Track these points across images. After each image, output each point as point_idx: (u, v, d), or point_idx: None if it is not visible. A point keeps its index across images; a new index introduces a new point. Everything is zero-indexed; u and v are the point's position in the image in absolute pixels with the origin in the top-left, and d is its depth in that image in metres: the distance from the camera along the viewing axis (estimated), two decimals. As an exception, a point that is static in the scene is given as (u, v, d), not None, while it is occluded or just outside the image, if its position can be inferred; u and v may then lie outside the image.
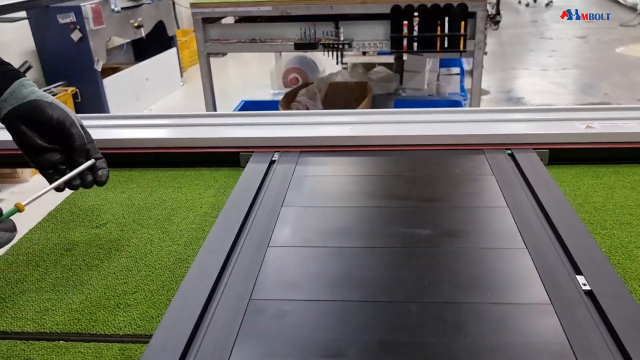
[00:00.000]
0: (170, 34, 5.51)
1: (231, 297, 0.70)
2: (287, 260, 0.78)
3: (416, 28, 2.60)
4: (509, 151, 1.08)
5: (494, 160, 1.04)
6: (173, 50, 5.58)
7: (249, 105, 3.53)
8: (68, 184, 0.81)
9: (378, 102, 3.33)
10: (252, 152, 1.13)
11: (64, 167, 0.81)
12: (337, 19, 2.71)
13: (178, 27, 6.57)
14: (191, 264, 0.80)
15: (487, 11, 2.56)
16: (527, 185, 0.95)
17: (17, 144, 0.80)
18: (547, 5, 8.86)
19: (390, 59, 3.96)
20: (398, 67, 3.67)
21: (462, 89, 3.69)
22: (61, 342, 0.70)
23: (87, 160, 0.82)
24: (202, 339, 0.63)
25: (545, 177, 0.97)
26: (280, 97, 3.73)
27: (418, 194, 0.96)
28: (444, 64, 3.66)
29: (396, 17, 2.61)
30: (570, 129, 1.12)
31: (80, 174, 0.81)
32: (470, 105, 2.78)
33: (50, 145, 0.80)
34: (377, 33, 2.70)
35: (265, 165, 1.08)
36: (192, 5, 2.82)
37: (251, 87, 5.28)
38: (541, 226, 0.83)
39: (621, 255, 0.81)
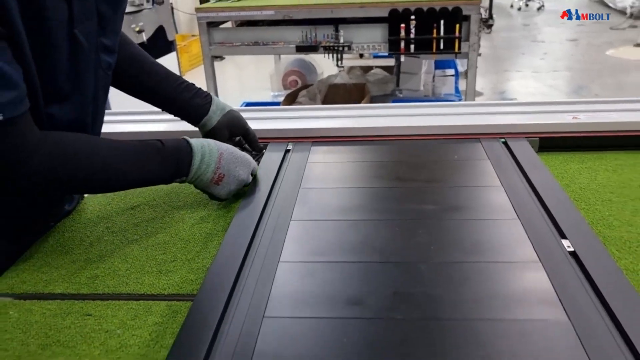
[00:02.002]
0: (170, 38, 5.61)
1: (262, 260, 0.81)
2: (309, 231, 0.89)
3: (413, 31, 2.71)
4: (503, 140, 1.19)
5: (490, 148, 1.15)
6: (173, 54, 5.68)
7: (250, 107, 3.63)
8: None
9: (375, 103, 3.44)
10: (268, 142, 1.24)
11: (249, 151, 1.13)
12: (337, 23, 2.83)
13: (177, 32, 6.68)
14: (222, 237, 0.91)
15: (481, 14, 2.68)
16: (519, 168, 1.06)
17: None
18: (538, 9, 9.03)
19: (385, 61, 4.09)
20: (398, 69, 3.80)
21: (456, 89, 3.81)
22: (114, 300, 0.80)
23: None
24: (241, 294, 0.74)
25: (536, 161, 1.09)
26: (280, 99, 3.84)
27: (422, 176, 1.07)
28: (438, 65, 3.79)
29: (394, 20, 2.72)
30: (558, 120, 1.23)
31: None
32: (465, 105, 2.90)
33: (237, 139, 1.14)
34: (375, 36, 2.82)
35: (281, 154, 1.18)
36: (197, 9, 2.93)
37: (249, 89, 5.39)
38: (531, 201, 0.94)
39: (602, 226, 0.92)
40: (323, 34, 2.85)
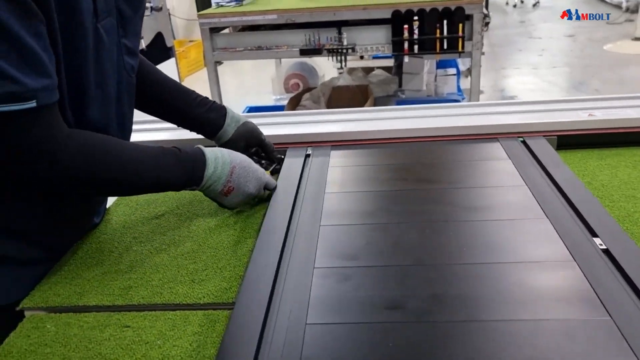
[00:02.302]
0: (168, 44, 5.61)
1: (296, 267, 0.81)
2: (339, 235, 0.89)
3: (416, 31, 2.72)
4: (522, 139, 1.20)
5: (509, 147, 1.16)
6: (172, 60, 5.69)
7: (253, 111, 3.63)
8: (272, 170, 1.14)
9: (379, 104, 3.45)
10: (287, 147, 1.24)
11: (265, 161, 1.16)
12: (340, 25, 2.83)
13: (174, 38, 6.69)
14: (250, 244, 0.92)
15: (483, 13, 2.69)
16: (541, 167, 1.07)
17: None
18: (534, 5, 9.06)
19: (385, 62, 4.10)
20: (398, 70, 3.81)
21: (458, 88, 3.82)
22: (150, 311, 0.80)
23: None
24: (279, 302, 0.74)
25: (557, 159, 1.09)
26: (283, 102, 3.85)
27: (444, 177, 1.08)
28: (440, 65, 3.79)
29: (397, 21, 2.73)
30: (574, 118, 1.24)
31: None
32: (470, 104, 2.90)
33: (253, 150, 1.15)
34: (378, 37, 2.83)
35: (302, 159, 1.19)
36: (200, 15, 2.93)
37: (250, 94, 5.40)
38: (557, 200, 0.94)
39: (629, 223, 0.92)
40: (326, 36, 2.85)
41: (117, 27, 0.88)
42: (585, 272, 0.74)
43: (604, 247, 0.80)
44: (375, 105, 3.36)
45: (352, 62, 4.23)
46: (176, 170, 0.93)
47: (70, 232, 0.98)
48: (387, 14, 2.75)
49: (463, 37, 2.69)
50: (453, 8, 2.66)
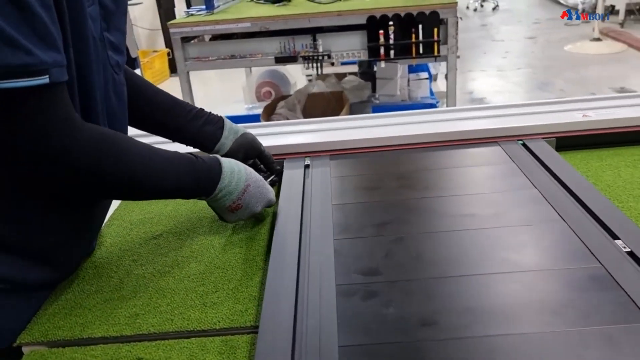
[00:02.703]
0: (133, 55, 5.49)
1: (317, 285, 0.77)
2: (355, 249, 0.86)
3: (392, 36, 2.72)
4: (521, 142, 1.19)
5: (511, 151, 1.15)
6: (137, 71, 5.56)
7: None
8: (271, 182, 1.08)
9: (354, 110, 3.43)
10: (284, 158, 1.20)
11: (263, 173, 1.10)
12: (314, 32, 2.81)
13: (137, 48, 6.55)
14: (260, 262, 0.87)
15: (457, 17, 2.71)
16: (547, 170, 1.06)
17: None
18: (493, 9, 9.25)
19: (355, 67, 4.09)
20: (367, 75, 3.80)
21: (431, 92, 3.84)
22: (162, 340, 0.75)
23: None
24: (306, 323, 0.70)
25: (561, 161, 1.09)
26: (255, 111, 3.79)
27: (452, 184, 1.06)
28: (412, 69, 3.81)
29: (372, 27, 2.73)
30: (569, 119, 1.24)
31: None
32: (447, 106, 2.92)
33: (251, 162, 1.09)
34: (354, 43, 2.81)
35: (301, 170, 1.15)
36: (171, 25, 2.87)
37: (219, 103, 5.32)
38: (571, 203, 0.93)
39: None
40: (301, 43, 2.82)
41: (100, 20, 0.83)
42: (615, 276, 0.73)
43: (627, 249, 0.79)
44: (351, 111, 3.35)
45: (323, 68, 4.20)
46: (190, 177, 0.88)
47: (71, 252, 0.90)
48: (362, 20, 2.74)
49: (438, 41, 2.70)
50: (427, 13, 2.67)
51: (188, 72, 2.96)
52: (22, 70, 0.64)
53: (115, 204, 1.13)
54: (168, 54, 6.53)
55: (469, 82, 5.50)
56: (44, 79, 0.66)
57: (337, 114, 3.32)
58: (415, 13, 2.67)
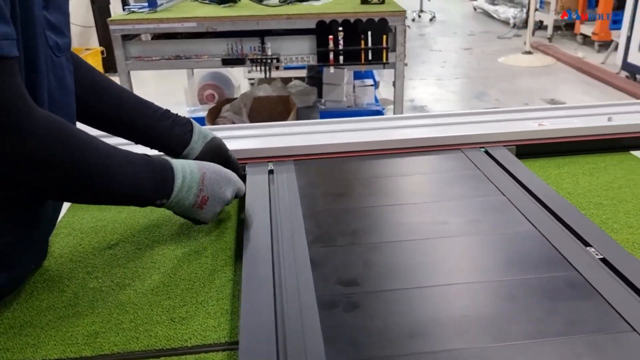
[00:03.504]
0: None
1: (297, 298, 0.73)
2: (333, 259, 0.83)
3: (341, 42, 2.72)
4: (484, 149, 1.20)
5: (475, 158, 1.16)
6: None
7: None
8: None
9: (301, 115, 3.41)
10: (245, 163, 1.16)
11: None
12: (263, 35, 2.76)
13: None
14: (228, 273, 0.83)
15: (405, 26, 2.75)
16: (512, 177, 1.07)
17: None
18: (430, 20, 9.52)
19: (299, 72, 4.07)
20: (313, 80, 3.79)
21: (375, 99, 3.88)
22: (129, 361, 0.69)
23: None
24: (289, 340, 0.66)
25: (525, 170, 1.10)
26: (198, 114, 3.68)
27: (421, 190, 1.05)
28: (357, 76, 3.83)
29: (322, 31, 2.71)
30: (526, 127, 1.27)
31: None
32: (395, 113, 2.95)
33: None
34: (303, 47, 2.79)
35: (265, 176, 1.11)
36: (111, 22, 2.73)
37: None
38: (540, 210, 0.94)
39: (606, 230, 0.94)
40: (250, 46, 2.77)
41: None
42: (592, 283, 0.74)
43: (600, 256, 0.80)
44: (298, 115, 3.32)
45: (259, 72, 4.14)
46: (148, 177, 0.81)
47: (22, 255, 0.81)
48: (312, 24, 2.72)
49: (387, 49, 2.73)
50: (376, 20, 2.68)
51: (129, 72, 2.82)
52: None
53: (62, 211, 1.04)
54: (102, 52, 6.27)
55: (410, 90, 5.60)
56: None
57: (284, 119, 3.28)
58: (364, 20, 2.68)
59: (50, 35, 0.78)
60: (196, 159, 0.99)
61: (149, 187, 0.81)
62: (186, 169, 0.87)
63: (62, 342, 0.72)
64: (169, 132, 0.98)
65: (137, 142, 1.01)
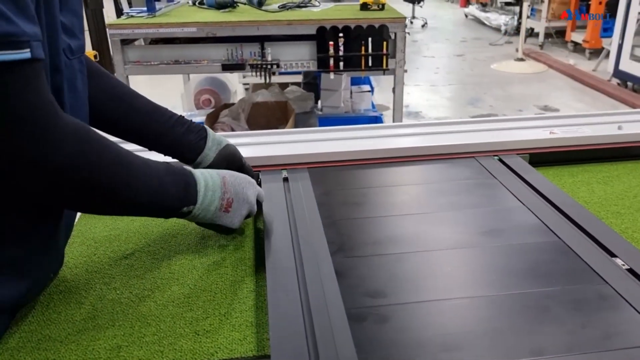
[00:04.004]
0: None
1: (325, 311, 0.71)
2: (357, 270, 0.81)
3: (342, 48, 2.71)
4: (497, 157, 1.20)
5: (490, 166, 1.15)
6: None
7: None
8: None
9: (299, 121, 3.39)
10: (259, 171, 1.14)
11: None
12: (263, 40, 2.75)
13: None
14: (250, 284, 0.81)
15: (406, 32, 2.75)
16: (529, 186, 1.06)
17: None
18: (422, 26, 9.57)
19: (294, 78, 4.06)
20: (310, 86, 3.79)
21: (372, 105, 3.88)
22: (155, 376, 0.67)
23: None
24: (321, 354, 0.64)
25: (540, 177, 1.10)
26: (195, 119, 3.65)
27: (441, 199, 1.04)
28: (354, 82, 3.83)
29: (322, 37, 2.70)
30: (541, 136, 1.26)
31: None
32: (394, 120, 2.95)
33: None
34: (303, 53, 2.78)
35: (281, 184, 1.09)
36: (110, 26, 2.71)
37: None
38: (562, 220, 0.94)
39: (627, 239, 0.94)
40: (250, 51, 2.75)
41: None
42: (624, 295, 0.73)
43: (627, 267, 0.80)
44: (296, 121, 3.31)
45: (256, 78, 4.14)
46: (172, 185, 0.80)
47: (41, 263, 0.79)
48: (312, 30, 2.71)
49: (387, 55, 2.73)
50: (377, 26, 2.68)
51: (127, 77, 2.80)
52: (6, 41, 0.57)
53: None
54: (95, 57, 6.21)
55: (405, 95, 5.59)
56: (25, 53, 0.59)
57: (283, 124, 3.27)
58: (365, 26, 2.68)
59: (63, 37, 0.77)
60: (210, 165, 0.98)
61: (174, 194, 0.80)
62: (206, 175, 0.86)
63: (84, 357, 0.70)
64: (182, 139, 0.96)
65: (150, 149, 0.99)
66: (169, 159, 1.01)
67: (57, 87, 0.71)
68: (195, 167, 0.99)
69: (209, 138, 0.99)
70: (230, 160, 1.00)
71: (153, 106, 0.97)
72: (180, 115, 0.99)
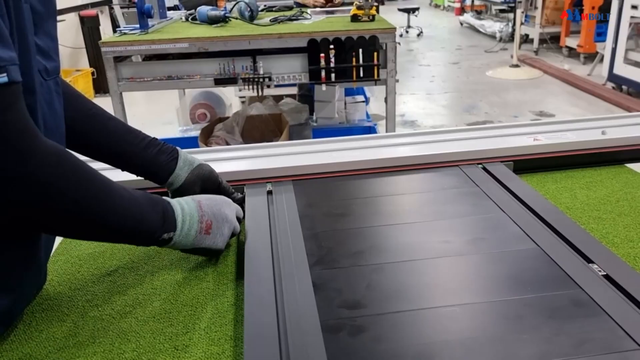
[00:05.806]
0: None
1: (299, 320, 0.72)
2: (336, 281, 0.82)
3: (333, 60, 2.73)
4: (481, 165, 1.21)
5: (473, 175, 1.16)
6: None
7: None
8: None
9: (293, 133, 3.41)
10: (244, 184, 1.15)
11: None
12: (254, 54, 2.77)
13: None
14: (230, 297, 0.82)
15: (396, 42, 2.77)
16: (511, 194, 1.07)
17: None
18: (418, 35, 9.63)
19: (289, 90, 4.08)
20: (305, 98, 3.81)
21: (367, 115, 3.90)
22: (132, 392, 0.67)
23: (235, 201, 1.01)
24: (294, 363, 0.65)
25: (523, 185, 1.11)
26: (190, 134, 3.68)
27: (424, 209, 1.05)
28: (348, 92, 3.86)
29: (313, 50, 2.73)
30: (521, 143, 1.27)
31: None
32: (387, 130, 2.96)
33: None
34: (295, 66, 2.80)
35: (264, 197, 1.10)
36: (103, 43, 2.73)
37: (148, 125, 5.13)
38: (541, 227, 0.94)
39: (607, 244, 0.94)
40: (242, 65, 2.77)
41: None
42: (597, 301, 0.73)
43: (603, 272, 0.80)
44: (290, 133, 3.32)
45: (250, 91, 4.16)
46: (151, 210, 0.81)
47: (22, 277, 0.80)
48: (303, 43, 2.73)
49: (378, 65, 2.75)
50: (367, 37, 2.71)
51: (121, 93, 2.82)
52: None
53: (58, 237, 1.03)
54: (92, 74, 6.26)
55: (400, 105, 5.64)
56: (3, 77, 0.60)
57: (277, 137, 3.28)
58: (355, 37, 2.70)
59: (39, 59, 0.79)
60: (182, 185, 1.00)
61: (154, 220, 0.81)
62: (181, 201, 0.88)
63: (64, 374, 0.71)
64: (154, 160, 0.98)
65: (123, 169, 1.01)
66: (141, 179, 1.02)
67: (31, 108, 0.72)
68: (168, 187, 1.01)
69: (180, 158, 1.01)
70: (205, 180, 1.02)
71: (126, 128, 0.98)
72: (153, 138, 1.01)
